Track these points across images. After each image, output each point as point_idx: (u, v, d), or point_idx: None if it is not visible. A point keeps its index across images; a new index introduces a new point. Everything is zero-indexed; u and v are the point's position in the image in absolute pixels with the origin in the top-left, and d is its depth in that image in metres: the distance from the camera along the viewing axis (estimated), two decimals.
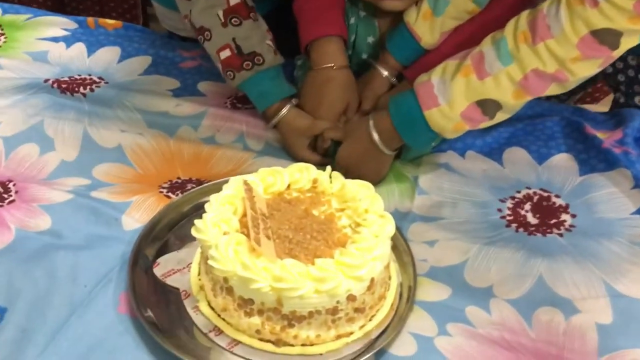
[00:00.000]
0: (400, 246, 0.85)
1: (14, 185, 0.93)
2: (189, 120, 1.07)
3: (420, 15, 0.97)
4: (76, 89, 1.10)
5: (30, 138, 1.01)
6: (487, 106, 0.85)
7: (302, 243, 0.75)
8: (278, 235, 0.75)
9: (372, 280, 0.73)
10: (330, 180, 0.82)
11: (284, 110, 1.01)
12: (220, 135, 1.05)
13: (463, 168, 0.99)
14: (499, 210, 0.93)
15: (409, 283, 0.80)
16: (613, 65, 1.06)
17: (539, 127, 1.03)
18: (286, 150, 1.03)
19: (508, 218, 0.91)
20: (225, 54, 0.99)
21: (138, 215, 0.89)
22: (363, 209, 0.78)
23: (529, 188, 0.95)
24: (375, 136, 0.93)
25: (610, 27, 0.77)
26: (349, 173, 0.87)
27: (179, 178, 0.98)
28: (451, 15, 0.96)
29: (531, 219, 0.91)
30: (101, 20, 1.28)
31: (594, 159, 0.97)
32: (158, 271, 0.81)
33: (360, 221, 0.77)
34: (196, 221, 0.75)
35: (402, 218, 0.91)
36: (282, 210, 0.79)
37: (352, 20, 1.05)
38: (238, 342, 0.73)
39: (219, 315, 0.75)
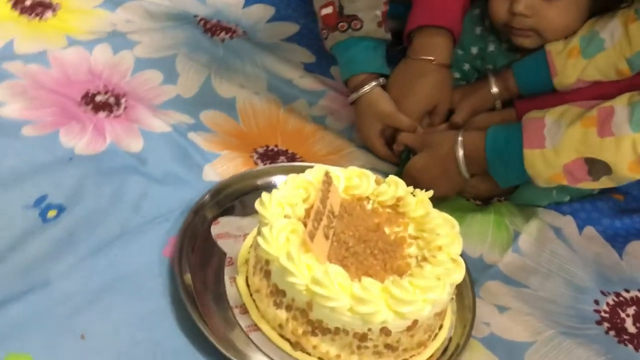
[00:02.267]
0: (466, 299, 0.76)
1: (125, 100, 0.95)
2: (307, 95, 1.04)
3: (566, 49, 0.86)
4: (217, 32, 1.11)
5: (159, 65, 1.03)
6: (596, 167, 0.75)
7: (359, 256, 0.69)
8: (338, 238, 0.70)
9: (415, 322, 0.65)
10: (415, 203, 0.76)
11: (367, 87, 0.93)
12: (331, 118, 1.01)
13: (575, 242, 0.87)
14: (596, 302, 0.81)
15: (458, 341, 0.72)
16: None
17: None
18: (358, 131, 0.96)
19: (603, 314, 0.79)
20: (327, 10, 0.94)
21: (221, 169, 0.87)
22: (437, 245, 0.70)
23: None
24: (460, 155, 0.84)
25: None
26: (418, 186, 0.79)
27: (276, 146, 0.95)
28: (598, 65, 0.85)
29: (630, 326, 0.79)
30: None
31: None
32: (215, 230, 0.79)
33: (429, 257, 0.69)
34: (263, 194, 0.72)
35: (482, 270, 0.82)
36: (354, 215, 0.73)
37: (492, 48, 0.96)
38: (258, 329, 0.69)
39: (251, 295, 0.71)
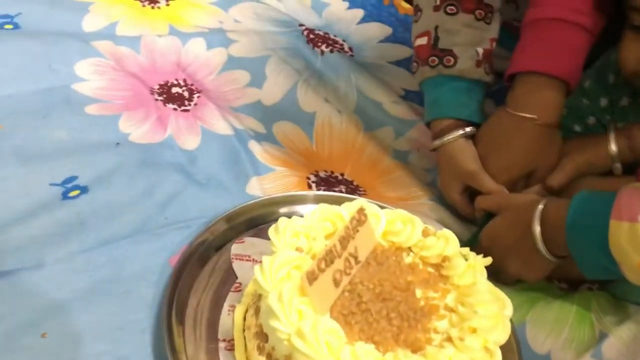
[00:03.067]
0: None
1: (198, 97, 0.90)
2: (396, 123, 0.93)
3: None
4: (319, 44, 1.04)
5: (249, 67, 0.97)
6: None
7: (370, 315, 0.56)
8: (352, 289, 0.58)
9: None
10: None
11: (450, 136, 0.78)
12: (417, 155, 0.89)
13: None
14: None
15: None
16: None
17: None
18: (439, 184, 0.82)
19: None
20: (421, 41, 0.82)
21: (268, 186, 0.79)
22: (471, 326, 0.55)
23: None
24: (537, 229, 0.67)
25: None
26: (491, 254, 0.64)
27: (342, 174, 0.85)
28: None
29: None
30: (396, 1, 1.19)
31: None
32: (235, 249, 0.70)
33: (456, 338, 0.55)
34: (280, 219, 0.62)
35: None
36: (384, 266, 0.61)
37: (624, 102, 0.77)
38: None
39: (244, 330, 0.62)
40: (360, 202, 0.65)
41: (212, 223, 0.70)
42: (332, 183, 0.83)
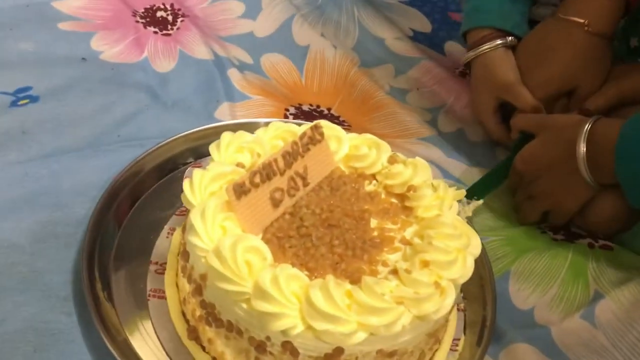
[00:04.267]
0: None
1: (182, 21, 0.84)
2: (397, 60, 0.84)
3: None
4: None
5: None
6: None
7: (308, 242, 0.48)
8: (294, 212, 0.50)
9: (339, 350, 0.43)
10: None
11: (488, 45, 0.71)
12: (416, 95, 0.81)
13: None
14: None
15: None
16: None
17: None
18: (471, 101, 0.75)
19: None
20: None
21: (241, 114, 0.72)
22: (423, 259, 0.47)
23: None
24: (582, 149, 0.58)
25: None
26: (525, 180, 0.60)
27: (329, 109, 0.77)
28: None
29: None
30: None
31: None
32: (189, 173, 0.63)
33: (402, 271, 0.47)
34: (224, 134, 0.54)
35: (523, 327, 0.56)
36: (340, 193, 0.53)
37: None
38: (163, 296, 0.53)
39: (178, 254, 0.55)
40: (320, 121, 0.57)
41: (165, 142, 0.63)
42: (313, 117, 0.75)
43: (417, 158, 0.56)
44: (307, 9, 0.90)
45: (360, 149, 0.56)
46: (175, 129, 0.66)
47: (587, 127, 0.58)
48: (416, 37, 0.89)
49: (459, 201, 0.55)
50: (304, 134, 0.52)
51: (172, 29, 0.83)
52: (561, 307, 0.58)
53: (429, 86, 0.81)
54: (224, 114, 0.72)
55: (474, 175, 0.71)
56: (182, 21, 0.84)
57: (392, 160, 0.56)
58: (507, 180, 0.67)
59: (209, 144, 0.62)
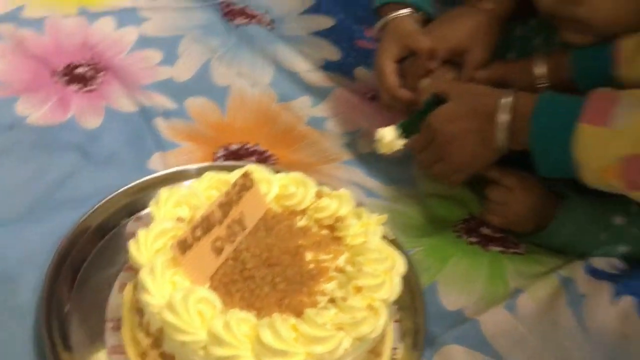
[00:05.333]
0: None
1: (104, 75, 0.87)
2: (312, 91, 0.90)
3: (636, 38, 0.65)
4: (233, 18, 1.01)
5: (162, 45, 0.94)
6: None
7: (253, 282, 0.53)
8: (236, 257, 0.55)
9: None
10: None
11: (397, 12, 0.79)
12: (333, 122, 0.87)
13: (597, 318, 0.64)
14: None
15: None
16: None
17: None
18: (374, 59, 0.81)
19: None
20: None
21: (173, 161, 0.76)
22: (356, 285, 0.53)
23: None
24: (503, 118, 0.65)
25: None
26: (437, 140, 0.68)
27: (257, 144, 0.82)
28: None
29: None
30: None
31: None
32: (132, 226, 0.67)
33: (339, 299, 0.52)
34: (162, 190, 0.59)
35: (453, 325, 0.63)
36: (274, 232, 0.58)
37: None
38: (123, 352, 0.56)
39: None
40: (249, 167, 0.62)
41: (105, 200, 0.67)
42: (242, 155, 0.80)
43: (342, 190, 0.62)
44: (222, 51, 0.95)
45: (289, 188, 0.61)
46: (111, 185, 0.70)
47: (510, 98, 0.66)
48: (328, 67, 0.96)
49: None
50: (236, 182, 0.57)
51: (93, 84, 0.86)
52: (486, 304, 0.65)
53: (344, 112, 0.88)
54: (157, 164, 0.75)
55: (394, 191, 0.78)
56: (103, 75, 0.87)
57: (319, 195, 0.61)
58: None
59: (145, 196, 0.66)
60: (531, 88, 0.72)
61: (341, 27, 1.03)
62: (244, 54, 0.95)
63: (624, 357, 0.61)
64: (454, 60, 0.78)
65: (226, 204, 0.55)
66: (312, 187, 0.61)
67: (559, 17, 0.69)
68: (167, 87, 0.88)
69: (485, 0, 0.78)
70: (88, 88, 0.85)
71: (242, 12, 1.02)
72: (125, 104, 0.83)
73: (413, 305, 0.62)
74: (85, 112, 0.81)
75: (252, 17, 1.02)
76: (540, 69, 0.73)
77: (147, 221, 0.65)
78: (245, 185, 0.58)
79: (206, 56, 0.93)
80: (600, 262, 0.69)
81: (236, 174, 0.61)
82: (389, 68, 0.79)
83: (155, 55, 0.93)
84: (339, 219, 0.59)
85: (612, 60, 0.67)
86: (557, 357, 0.60)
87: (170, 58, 0.93)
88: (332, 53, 0.98)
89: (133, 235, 0.62)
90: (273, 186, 0.61)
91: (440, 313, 0.64)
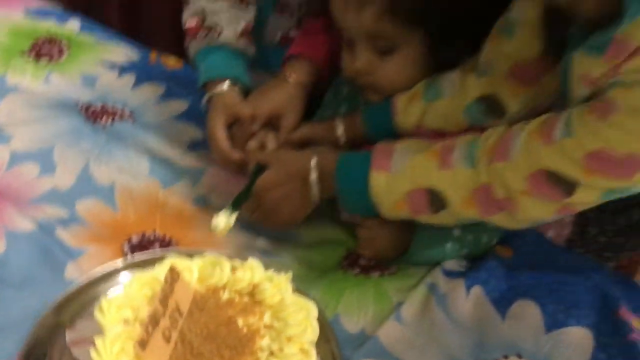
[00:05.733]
0: None
1: None
2: (190, 173, 1.02)
3: (411, 92, 0.88)
4: (100, 118, 1.09)
5: (36, 158, 1.00)
6: (435, 198, 0.76)
7: (204, 357, 0.65)
8: (183, 339, 0.66)
9: None
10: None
11: (221, 87, 0.95)
12: (215, 195, 0.99)
13: (459, 308, 0.83)
14: None
15: None
16: None
17: (568, 289, 0.85)
18: (206, 129, 0.98)
19: None
20: (191, 23, 0.99)
21: (87, 266, 0.84)
22: (287, 336, 0.67)
23: (519, 356, 0.78)
24: (314, 176, 0.83)
25: (563, 172, 0.66)
26: (264, 204, 0.84)
27: (154, 231, 0.92)
28: (438, 111, 0.86)
29: None
30: (164, 57, 1.28)
31: (614, 348, 0.78)
32: (70, 335, 0.74)
33: (276, 350, 0.66)
34: (102, 300, 0.68)
35: (360, 345, 0.79)
36: (205, 310, 0.70)
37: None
38: None
39: None
40: (169, 261, 0.73)
41: (39, 320, 0.73)
42: (145, 245, 0.90)
43: (250, 259, 0.75)
44: (96, 152, 1.03)
45: (207, 270, 0.73)
46: (34, 305, 0.76)
47: (314, 159, 0.84)
48: (195, 146, 1.07)
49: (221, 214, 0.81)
50: (166, 278, 0.68)
51: None
52: (379, 320, 0.81)
53: (221, 186, 1.00)
54: (72, 273, 0.82)
55: (281, 246, 0.91)
56: None
57: (233, 270, 0.74)
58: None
59: (77, 309, 0.74)
60: (335, 143, 0.94)
61: (194, 108, 1.15)
62: (117, 150, 1.04)
63: (483, 335, 0.81)
64: (272, 124, 0.97)
65: (164, 299, 0.66)
66: (226, 264, 0.74)
67: (359, 83, 0.90)
68: (54, 196, 0.95)
69: (293, 74, 0.98)
70: None
71: (103, 111, 1.11)
72: (21, 223, 0.89)
73: (326, 337, 0.77)
74: None
75: (113, 114, 1.11)
76: (339, 128, 0.95)
77: (82, 327, 0.74)
78: (173, 278, 0.69)
79: (83, 160, 1.01)
80: (451, 265, 0.89)
81: (160, 269, 0.71)
82: (220, 134, 0.94)
83: (32, 169, 0.99)
84: (255, 286, 0.72)
85: (392, 113, 0.88)
86: (439, 348, 0.79)
87: (48, 168, 0.99)
88: (195, 133, 1.10)
89: (75, 343, 0.71)
90: (193, 272, 0.73)
91: (347, 337, 0.80)
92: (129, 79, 1.20)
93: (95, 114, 1.10)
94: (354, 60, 0.88)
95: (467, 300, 0.84)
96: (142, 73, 1.22)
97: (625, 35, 0.59)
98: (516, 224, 0.76)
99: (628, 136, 0.62)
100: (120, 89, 1.18)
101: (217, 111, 0.95)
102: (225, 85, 0.96)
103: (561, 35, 0.71)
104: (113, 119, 1.10)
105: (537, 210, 0.72)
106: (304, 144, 0.96)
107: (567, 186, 0.67)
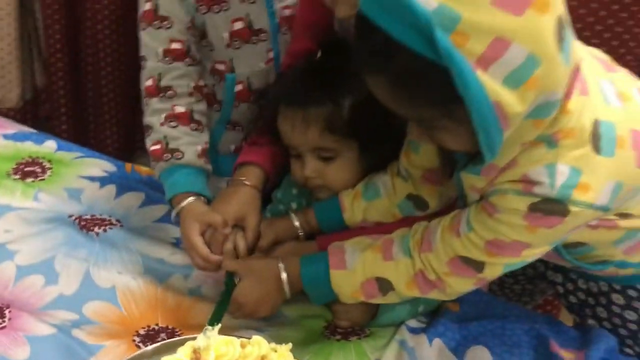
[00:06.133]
0: None
1: (9, 312, 1.03)
2: (181, 269, 1.16)
3: (353, 192, 1.08)
4: (92, 228, 1.23)
5: (40, 270, 1.12)
6: (384, 284, 0.95)
7: None
8: None
9: None
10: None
11: (187, 201, 1.10)
12: (206, 287, 1.14)
13: (425, 358, 1.01)
14: None
15: None
16: (564, 285, 1.12)
17: (508, 333, 1.05)
18: (182, 239, 1.11)
19: None
20: (155, 147, 1.14)
21: (109, 359, 0.96)
22: None
23: None
24: (284, 276, 1.01)
25: (472, 257, 0.87)
26: (244, 308, 1.00)
27: (157, 324, 1.05)
28: (377, 208, 1.06)
29: None
30: (137, 167, 1.43)
31: None
32: None
33: None
34: None
35: None
36: None
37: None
38: None
39: None
40: (189, 344, 0.87)
41: None
42: (153, 335, 1.03)
43: (254, 337, 0.90)
44: (94, 258, 1.16)
45: (221, 349, 0.88)
46: None
47: (281, 264, 1.02)
48: (178, 243, 1.22)
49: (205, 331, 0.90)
50: (191, 358, 0.83)
51: (4, 321, 1.01)
52: None
53: (211, 280, 1.15)
54: None
55: (275, 321, 1.07)
56: (10, 311, 1.03)
57: (243, 345, 0.89)
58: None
59: None
60: (295, 237, 1.13)
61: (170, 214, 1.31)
62: (113, 255, 1.17)
63: None
64: (237, 224, 1.12)
65: None
66: (236, 342, 0.89)
67: (309, 185, 1.10)
68: (62, 302, 1.07)
69: (247, 179, 1.13)
70: (1, 325, 1.00)
71: (94, 221, 1.25)
72: (39, 328, 1.00)
73: None
74: (9, 347, 0.96)
75: (103, 223, 1.25)
76: (296, 223, 1.13)
77: None
78: (197, 357, 0.84)
79: (83, 267, 1.14)
80: (414, 323, 1.07)
81: (183, 351, 0.86)
82: (198, 241, 1.09)
83: (38, 280, 1.11)
84: (263, 357, 0.88)
85: (341, 210, 1.09)
86: None
87: (52, 278, 1.11)
88: (176, 232, 1.25)
89: None
90: (211, 352, 0.87)
91: None
92: (110, 189, 1.35)
93: (87, 224, 1.24)
94: (303, 168, 1.07)
95: (431, 350, 1.02)
96: (122, 183, 1.37)
97: (490, 164, 0.81)
98: (447, 297, 0.97)
99: (511, 229, 0.83)
100: (104, 199, 1.32)
101: (191, 221, 1.10)
102: (191, 199, 1.12)
103: (450, 156, 0.92)
104: (104, 228, 1.24)
105: (460, 286, 0.93)
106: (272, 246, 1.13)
107: (477, 266, 0.88)
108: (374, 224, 1.08)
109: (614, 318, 1.07)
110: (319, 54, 1.04)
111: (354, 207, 1.07)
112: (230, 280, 1.06)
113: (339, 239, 1.03)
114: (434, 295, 0.95)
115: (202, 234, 1.09)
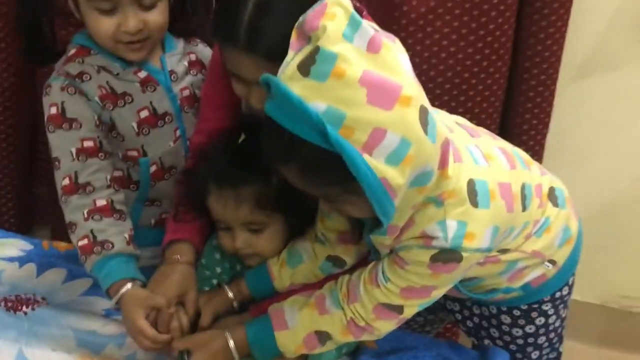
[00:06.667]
0: None
1: None
2: (114, 339, 1.21)
3: (279, 261, 1.20)
4: (19, 308, 1.25)
5: None
6: (323, 336, 1.08)
7: None
8: None
9: None
10: None
11: (125, 287, 1.14)
12: (141, 353, 1.19)
13: None
14: None
15: None
16: (462, 312, 1.30)
17: None
18: (125, 325, 1.15)
19: None
20: (83, 242, 1.17)
21: None
22: None
23: None
24: (232, 344, 1.11)
25: (392, 302, 1.02)
26: None
27: None
28: (303, 273, 1.19)
29: None
30: (55, 243, 1.46)
31: None
32: None
33: None
34: None
35: None
36: None
37: (238, 268, 1.27)
38: None
39: None
40: None
41: None
42: None
43: None
44: (25, 338, 1.18)
45: None
46: None
47: (227, 334, 1.11)
48: (108, 313, 1.27)
49: None
50: None
51: None
52: None
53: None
54: None
55: None
56: None
57: None
58: None
59: None
60: (230, 307, 1.22)
61: (97, 282, 1.34)
62: (44, 333, 1.20)
63: None
64: (178, 301, 1.20)
65: None
66: None
67: (239, 255, 1.21)
68: None
69: (180, 256, 1.20)
70: None
71: (19, 302, 1.26)
72: None
73: None
74: None
75: (28, 302, 1.27)
76: (230, 295, 1.23)
77: None
78: None
79: (15, 348, 1.16)
80: None
81: None
82: (144, 325, 1.13)
83: None
84: None
85: (271, 279, 1.21)
86: None
87: None
88: (105, 303, 1.29)
89: None
90: None
91: None
92: (30, 268, 1.36)
93: (14, 305, 1.25)
94: (233, 240, 1.17)
95: None
96: (41, 261, 1.39)
97: (391, 225, 0.94)
98: (377, 337, 1.11)
99: (419, 277, 0.98)
100: (25, 279, 1.33)
101: (135, 307, 1.13)
102: (129, 285, 1.13)
103: (358, 220, 1.04)
104: (31, 307, 1.26)
105: (385, 327, 1.06)
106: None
107: (398, 309, 1.02)
108: (300, 285, 1.21)
109: (505, 336, 1.26)
110: (242, 137, 1.15)
111: (282, 275, 1.20)
112: (182, 358, 1.14)
113: (269, 305, 1.14)
114: (366, 337, 1.09)
115: (146, 317, 1.13)
